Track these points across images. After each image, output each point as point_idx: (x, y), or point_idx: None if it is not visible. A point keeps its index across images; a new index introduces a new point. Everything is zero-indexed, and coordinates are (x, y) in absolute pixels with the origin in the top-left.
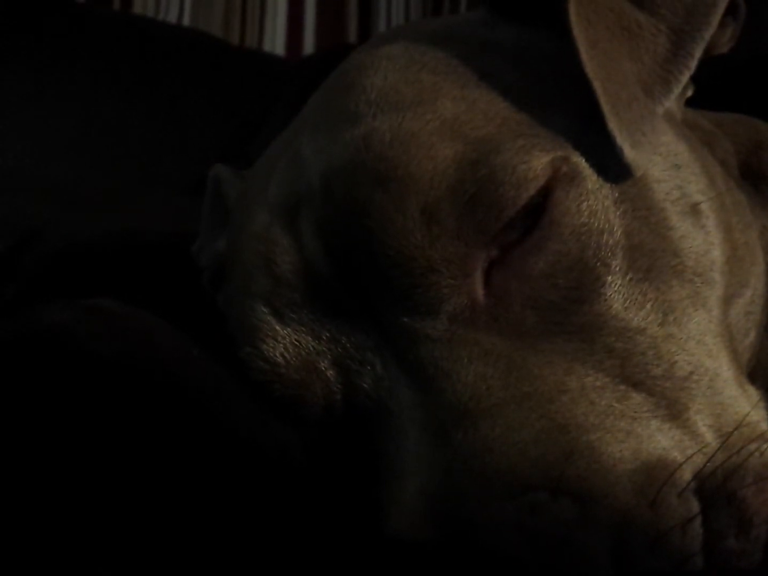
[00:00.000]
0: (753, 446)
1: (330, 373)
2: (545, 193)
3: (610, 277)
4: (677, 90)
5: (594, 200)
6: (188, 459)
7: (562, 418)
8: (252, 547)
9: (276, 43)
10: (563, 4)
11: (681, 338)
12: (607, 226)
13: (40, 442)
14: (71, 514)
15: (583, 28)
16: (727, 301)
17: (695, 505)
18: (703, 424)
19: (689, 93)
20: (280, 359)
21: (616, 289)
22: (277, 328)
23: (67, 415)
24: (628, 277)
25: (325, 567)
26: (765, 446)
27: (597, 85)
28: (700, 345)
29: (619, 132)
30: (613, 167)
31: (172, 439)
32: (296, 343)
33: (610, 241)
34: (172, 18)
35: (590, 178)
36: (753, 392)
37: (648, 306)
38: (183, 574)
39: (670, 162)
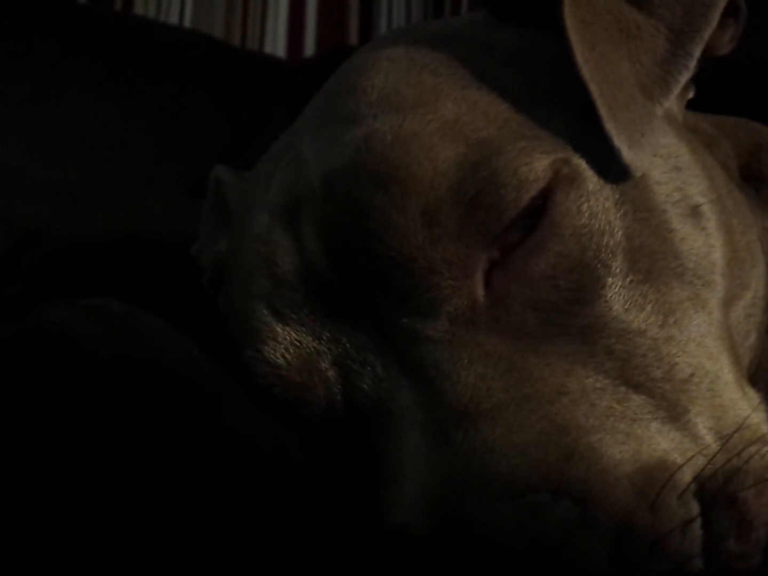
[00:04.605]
0: (753, 448)
1: (331, 373)
2: (546, 195)
3: (610, 279)
4: (676, 91)
5: (594, 202)
6: (187, 459)
7: (563, 420)
8: (251, 547)
9: (277, 44)
10: (559, 6)
11: (681, 340)
12: (607, 227)
13: (38, 443)
14: (69, 515)
15: (579, 30)
16: (728, 303)
17: (695, 507)
18: (703, 426)
19: (690, 95)
20: (281, 361)
21: (616, 290)
22: (278, 329)
23: (65, 415)
24: (628, 279)
25: (324, 566)
26: (765, 449)
27: (593, 87)
28: (701, 347)
29: (617, 133)
30: (613, 169)
31: (171, 440)
32: (297, 343)
33: (611, 243)
34: (174, 19)
35: (591, 179)
36: (753, 395)
37: (648, 308)
38: (182, 574)
39: (671, 164)
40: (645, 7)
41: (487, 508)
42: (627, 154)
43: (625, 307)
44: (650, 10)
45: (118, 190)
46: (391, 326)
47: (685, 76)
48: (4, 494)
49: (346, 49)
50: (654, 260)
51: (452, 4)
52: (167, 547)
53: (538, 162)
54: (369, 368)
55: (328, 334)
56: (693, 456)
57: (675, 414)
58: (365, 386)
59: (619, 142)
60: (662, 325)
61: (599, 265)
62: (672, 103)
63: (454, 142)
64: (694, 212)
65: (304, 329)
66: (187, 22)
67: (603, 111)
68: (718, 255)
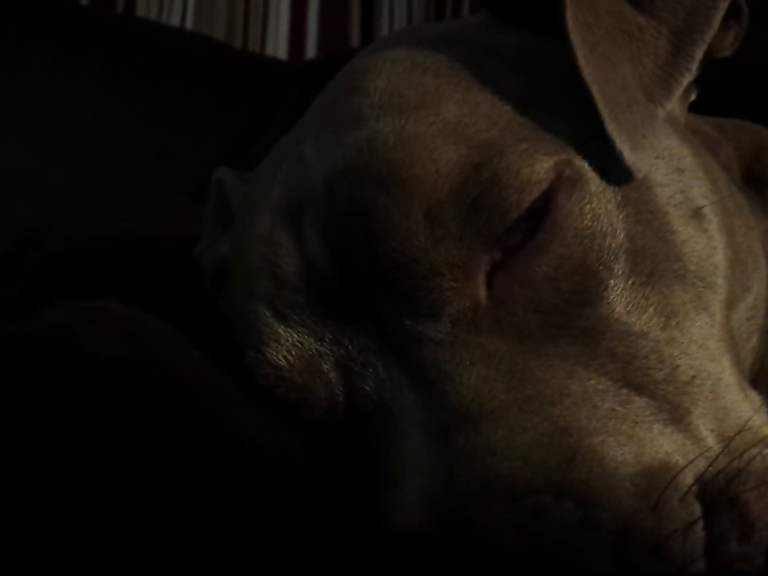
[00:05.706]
0: (755, 450)
1: (332, 375)
2: (548, 197)
3: (612, 281)
4: (678, 92)
5: (597, 203)
6: (188, 460)
7: (565, 422)
8: (252, 547)
9: (278, 46)
10: (560, 8)
11: (683, 342)
12: (609, 229)
13: (39, 444)
14: (69, 514)
15: (580, 32)
16: (730, 305)
17: (697, 509)
18: (705, 428)
19: (693, 97)
20: (283, 362)
21: (618, 292)
22: (280, 330)
23: (65, 416)
24: (630, 281)
25: (325, 567)
26: (767, 450)
27: (594, 89)
28: (703, 349)
29: (618, 135)
30: (615, 170)
31: (172, 440)
32: (299, 345)
33: (613, 245)
34: (175, 21)
35: (593, 181)
36: (755, 397)
37: (650, 310)
38: (182, 574)
39: (673, 166)
40: (647, 9)
41: (488, 509)
42: (629, 156)
43: (627, 309)
44: (652, 12)
45: (118, 190)
46: (392, 328)
47: (687, 78)
48: (5, 494)
49: (348, 51)
50: (656, 262)
51: (454, 5)
52: (168, 546)
53: (540, 164)
54: (371, 370)
55: (330, 336)
56: (695, 458)
57: (677, 416)
58: (367, 388)
59: (621, 144)
60: (664, 327)
61: (601, 267)
62: (674, 105)
63: (457, 143)
64: (696, 214)
65: (306, 330)
66: (188, 24)
67: (605, 113)
68: (720, 257)
